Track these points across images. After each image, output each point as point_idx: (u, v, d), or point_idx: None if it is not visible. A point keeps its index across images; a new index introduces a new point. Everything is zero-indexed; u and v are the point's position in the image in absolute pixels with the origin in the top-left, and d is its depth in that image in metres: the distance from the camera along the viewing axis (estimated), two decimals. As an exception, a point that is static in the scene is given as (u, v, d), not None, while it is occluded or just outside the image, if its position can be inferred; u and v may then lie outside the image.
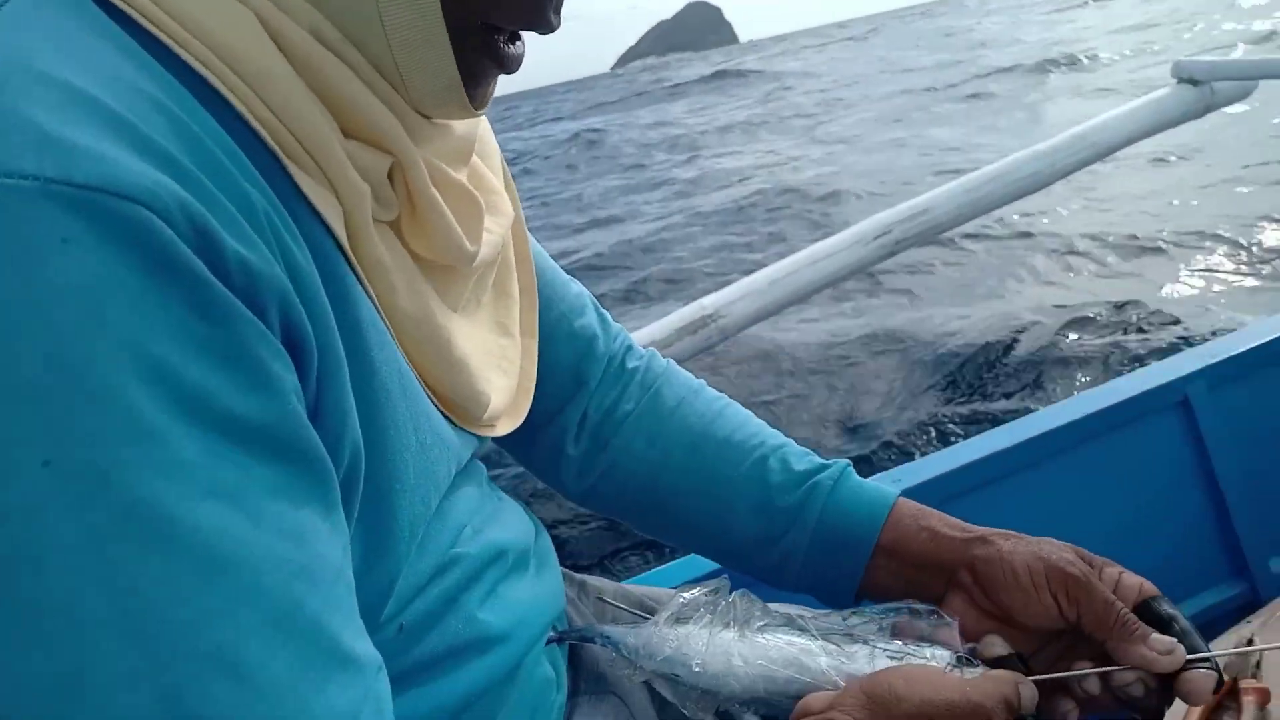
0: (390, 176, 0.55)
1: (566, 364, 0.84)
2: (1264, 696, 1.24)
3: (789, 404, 3.88)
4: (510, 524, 0.73)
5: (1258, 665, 1.28)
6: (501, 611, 0.66)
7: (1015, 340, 3.89)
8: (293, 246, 0.48)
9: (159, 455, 0.39)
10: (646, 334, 2.02)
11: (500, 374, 0.69)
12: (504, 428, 0.71)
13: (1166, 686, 0.66)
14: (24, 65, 0.41)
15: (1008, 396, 3.50)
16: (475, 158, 0.66)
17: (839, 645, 0.69)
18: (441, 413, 0.62)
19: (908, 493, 1.34)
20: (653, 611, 0.74)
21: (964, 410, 3.49)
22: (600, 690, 0.79)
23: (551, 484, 0.89)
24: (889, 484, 1.36)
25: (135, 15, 0.46)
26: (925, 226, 2.13)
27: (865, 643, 0.70)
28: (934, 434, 3.37)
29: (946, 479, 1.36)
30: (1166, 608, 0.70)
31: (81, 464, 0.38)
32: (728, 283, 2.10)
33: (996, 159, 2.17)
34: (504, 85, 0.62)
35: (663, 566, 1.32)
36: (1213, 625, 1.38)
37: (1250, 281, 4.21)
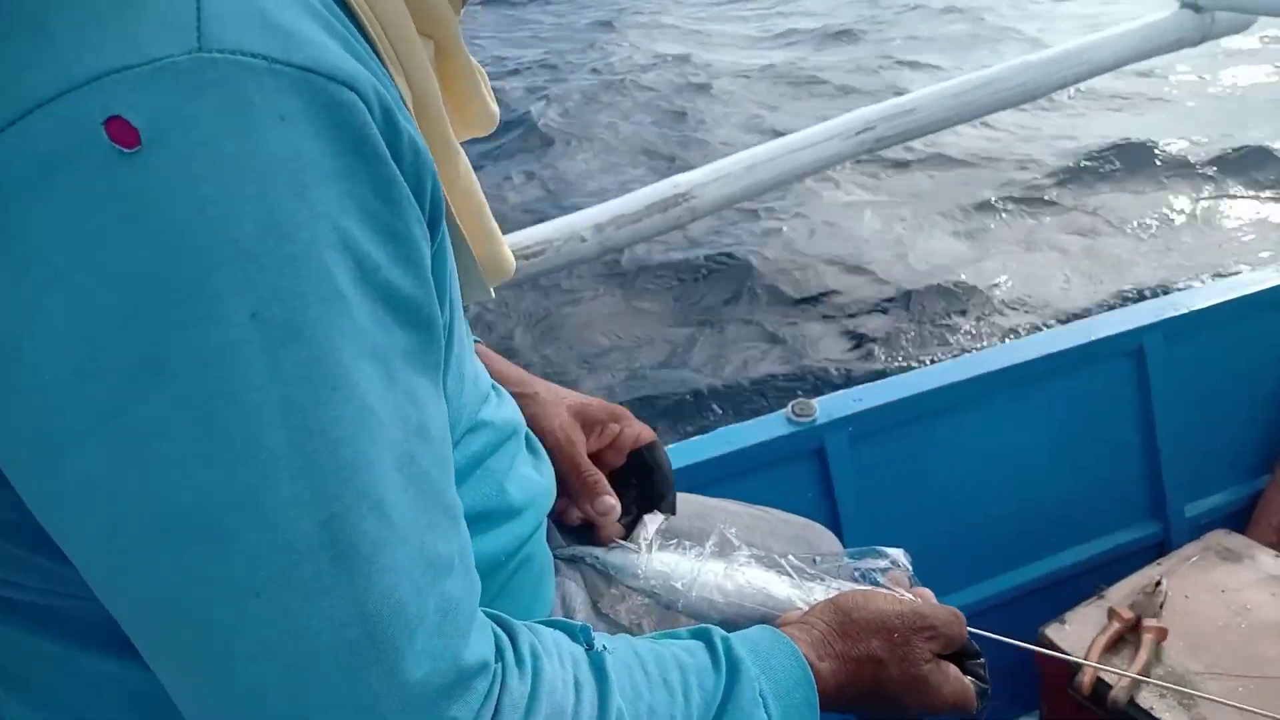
0: None
1: None
2: (1161, 635, 1.34)
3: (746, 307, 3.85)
4: (514, 408, 0.80)
5: (1161, 606, 1.38)
6: (520, 488, 0.73)
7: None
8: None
9: (342, 317, 0.45)
10: (616, 205, 1.98)
11: None
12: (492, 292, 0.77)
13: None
14: None
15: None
16: None
17: (801, 581, 0.80)
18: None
19: (867, 413, 1.39)
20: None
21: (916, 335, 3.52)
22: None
23: None
24: (849, 402, 1.40)
25: None
26: (908, 126, 2.09)
27: (822, 580, 0.81)
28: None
29: (905, 404, 1.39)
30: (654, 455, 0.91)
31: (282, 318, 0.43)
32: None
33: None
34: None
35: None
36: (1127, 560, 1.47)
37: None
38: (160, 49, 0.41)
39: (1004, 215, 4.43)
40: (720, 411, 3.16)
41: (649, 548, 0.81)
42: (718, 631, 0.66)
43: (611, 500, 0.86)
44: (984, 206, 4.48)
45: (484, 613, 0.56)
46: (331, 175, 0.44)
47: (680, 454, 1.31)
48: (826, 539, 1.05)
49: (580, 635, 0.62)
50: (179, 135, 0.41)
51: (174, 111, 0.41)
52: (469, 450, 0.68)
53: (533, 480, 0.77)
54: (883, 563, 0.85)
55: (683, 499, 0.98)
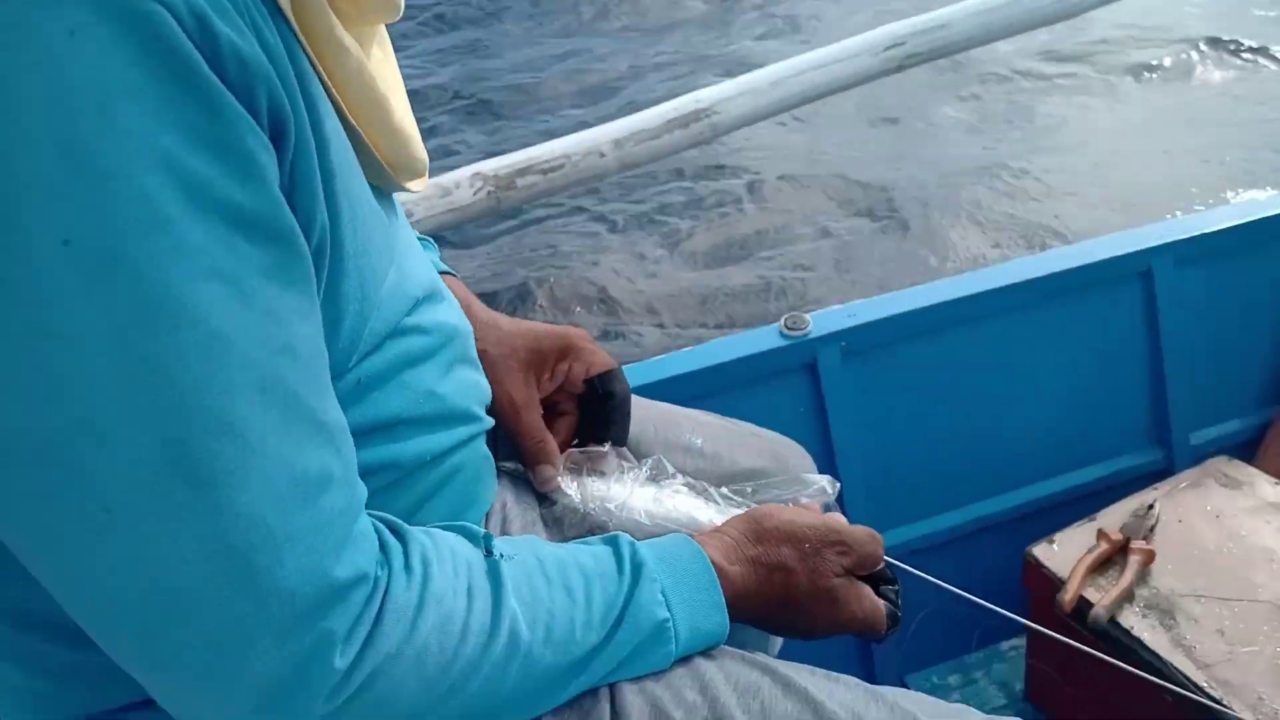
0: None
1: None
2: (1149, 558, 1.35)
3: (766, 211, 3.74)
4: (458, 314, 0.78)
5: (1152, 529, 1.38)
6: (456, 391, 0.72)
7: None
8: (264, 27, 0.49)
9: (168, 239, 0.43)
10: (636, 121, 1.98)
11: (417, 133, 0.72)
12: (417, 186, 0.72)
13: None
14: None
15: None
16: None
17: (727, 508, 0.82)
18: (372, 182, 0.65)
19: (861, 328, 1.40)
20: None
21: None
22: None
23: None
24: (843, 317, 1.39)
25: None
26: (941, 43, 2.04)
27: (746, 507, 0.82)
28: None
29: (901, 319, 1.38)
30: (607, 383, 0.87)
31: (98, 244, 0.42)
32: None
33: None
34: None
35: None
36: (1127, 486, 1.46)
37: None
38: None
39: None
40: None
41: (583, 471, 0.82)
42: (625, 538, 0.67)
43: (551, 471, 0.84)
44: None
45: (376, 519, 0.57)
46: (141, 90, 0.42)
47: (666, 366, 1.31)
48: (796, 455, 1.03)
49: (481, 541, 0.62)
50: None
51: None
52: (389, 355, 0.65)
53: (475, 386, 0.76)
54: (810, 490, 0.87)
55: (651, 406, 0.98)
